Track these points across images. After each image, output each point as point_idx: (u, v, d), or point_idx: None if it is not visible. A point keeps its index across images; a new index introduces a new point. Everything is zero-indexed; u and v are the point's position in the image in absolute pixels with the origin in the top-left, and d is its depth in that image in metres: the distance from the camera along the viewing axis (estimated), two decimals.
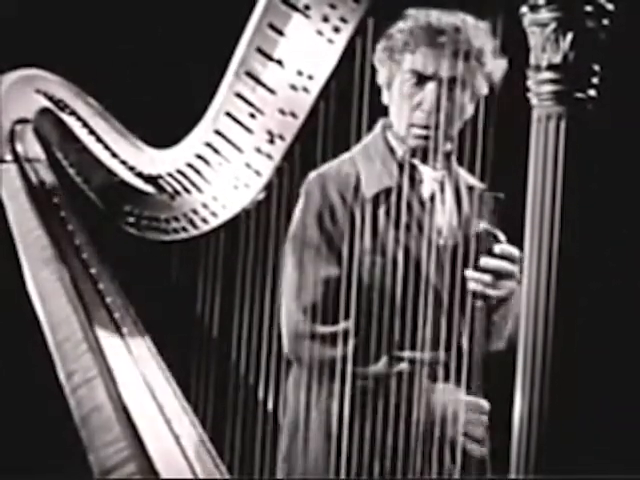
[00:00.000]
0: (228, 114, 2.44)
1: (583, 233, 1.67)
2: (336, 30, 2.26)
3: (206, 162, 2.52)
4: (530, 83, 1.69)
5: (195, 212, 2.57)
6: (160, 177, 2.64)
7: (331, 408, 2.28)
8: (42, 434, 3.15)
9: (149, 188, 2.66)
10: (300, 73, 2.33)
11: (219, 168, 2.51)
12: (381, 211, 2.31)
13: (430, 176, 2.36)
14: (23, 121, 3.08)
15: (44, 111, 2.98)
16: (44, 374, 2.62)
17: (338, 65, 2.28)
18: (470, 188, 2.39)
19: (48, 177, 3.05)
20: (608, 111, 1.80)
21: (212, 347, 2.52)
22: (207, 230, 2.56)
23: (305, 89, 2.33)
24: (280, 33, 2.32)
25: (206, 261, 2.52)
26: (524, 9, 1.69)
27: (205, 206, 2.56)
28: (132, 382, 2.58)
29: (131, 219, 2.67)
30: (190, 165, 2.56)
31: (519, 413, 1.68)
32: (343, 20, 2.26)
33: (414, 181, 2.36)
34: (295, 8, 2.29)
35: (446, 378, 2.28)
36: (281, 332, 2.34)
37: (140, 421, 2.46)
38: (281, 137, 2.39)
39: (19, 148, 3.11)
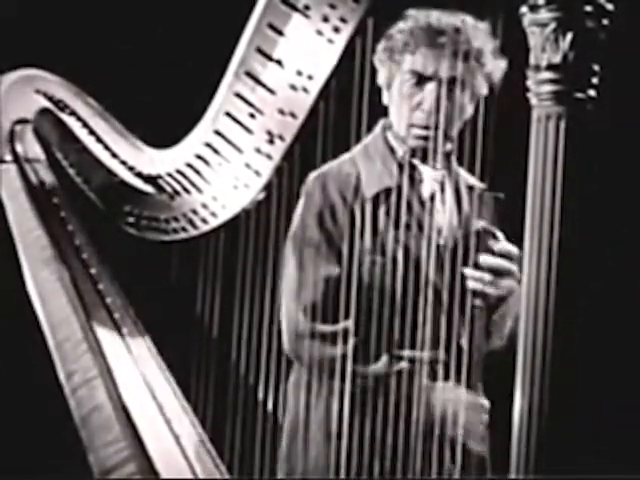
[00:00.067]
0: (228, 114, 2.44)
1: (583, 233, 1.67)
2: (336, 30, 2.27)
3: (206, 162, 2.52)
4: (530, 83, 1.69)
5: (195, 212, 2.57)
6: (160, 177, 2.64)
7: (331, 407, 2.28)
8: (42, 434, 3.14)
9: (149, 188, 2.66)
10: (300, 73, 2.33)
11: (219, 168, 2.51)
12: (381, 211, 2.31)
13: (430, 176, 2.36)
14: (23, 121, 3.08)
15: (44, 111, 2.98)
16: (44, 374, 2.62)
17: (338, 65, 2.28)
18: (470, 188, 2.40)
19: (48, 177, 3.05)
20: (608, 111, 1.80)
21: (212, 347, 2.52)
22: (207, 230, 2.56)
23: (305, 89, 2.33)
24: (280, 33, 2.32)
25: (206, 261, 2.52)
26: (524, 9, 1.69)
27: (205, 206, 2.56)
28: (132, 382, 2.58)
29: (131, 219, 2.67)
30: (190, 165, 2.56)
31: (519, 413, 1.68)
32: (343, 20, 2.26)
33: (414, 181, 2.36)
34: (295, 8, 2.29)
35: (446, 377, 2.28)
36: (281, 332, 2.34)
37: (140, 421, 2.46)
38: (281, 137, 2.39)
39: (19, 148, 3.11)
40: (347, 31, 2.25)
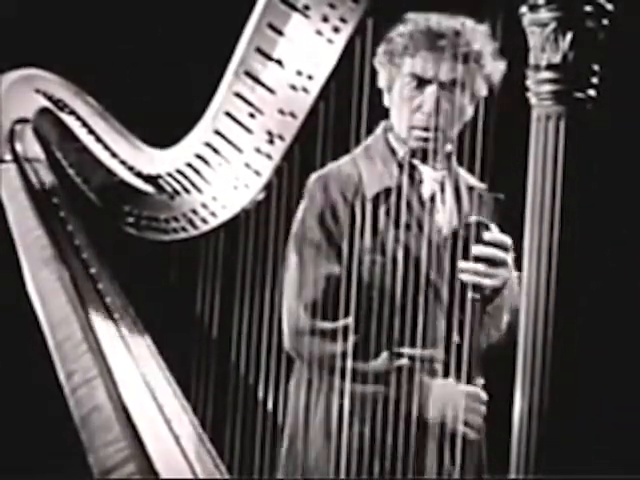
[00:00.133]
0: (227, 114, 2.44)
1: (583, 232, 1.67)
2: (336, 30, 2.27)
3: (206, 162, 2.52)
4: (529, 83, 1.69)
5: (195, 212, 2.58)
6: (159, 177, 2.64)
7: (331, 407, 2.29)
8: (42, 434, 3.14)
9: (149, 188, 2.67)
10: (300, 73, 2.33)
11: (219, 168, 2.51)
12: (382, 211, 2.32)
13: (430, 176, 2.37)
14: (23, 121, 3.08)
15: (43, 111, 2.98)
16: (44, 374, 2.62)
17: (337, 65, 2.28)
18: (470, 188, 2.40)
19: (48, 177, 3.05)
20: (607, 111, 1.80)
21: (212, 347, 2.52)
22: (207, 230, 2.56)
23: (304, 89, 2.33)
24: (279, 33, 2.32)
25: (206, 261, 2.52)
26: (524, 9, 1.69)
27: (205, 206, 2.56)
28: (132, 382, 2.58)
29: (131, 219, 2.67)
30: (190, 165, 2.56)
31: (519, 412, 1.68)
32: (342, 20, 2.26)
33: (414, 181, 2.36)
34: (294, 8, 2.29)
35: (445, 374, 2.28)
36: (281, 331, 2.34)
37: (140, 421, 2.46)
38: (280, 137, 2.39)
39: (19, 148, 3.11)
40: (347, 31, 2.26)
